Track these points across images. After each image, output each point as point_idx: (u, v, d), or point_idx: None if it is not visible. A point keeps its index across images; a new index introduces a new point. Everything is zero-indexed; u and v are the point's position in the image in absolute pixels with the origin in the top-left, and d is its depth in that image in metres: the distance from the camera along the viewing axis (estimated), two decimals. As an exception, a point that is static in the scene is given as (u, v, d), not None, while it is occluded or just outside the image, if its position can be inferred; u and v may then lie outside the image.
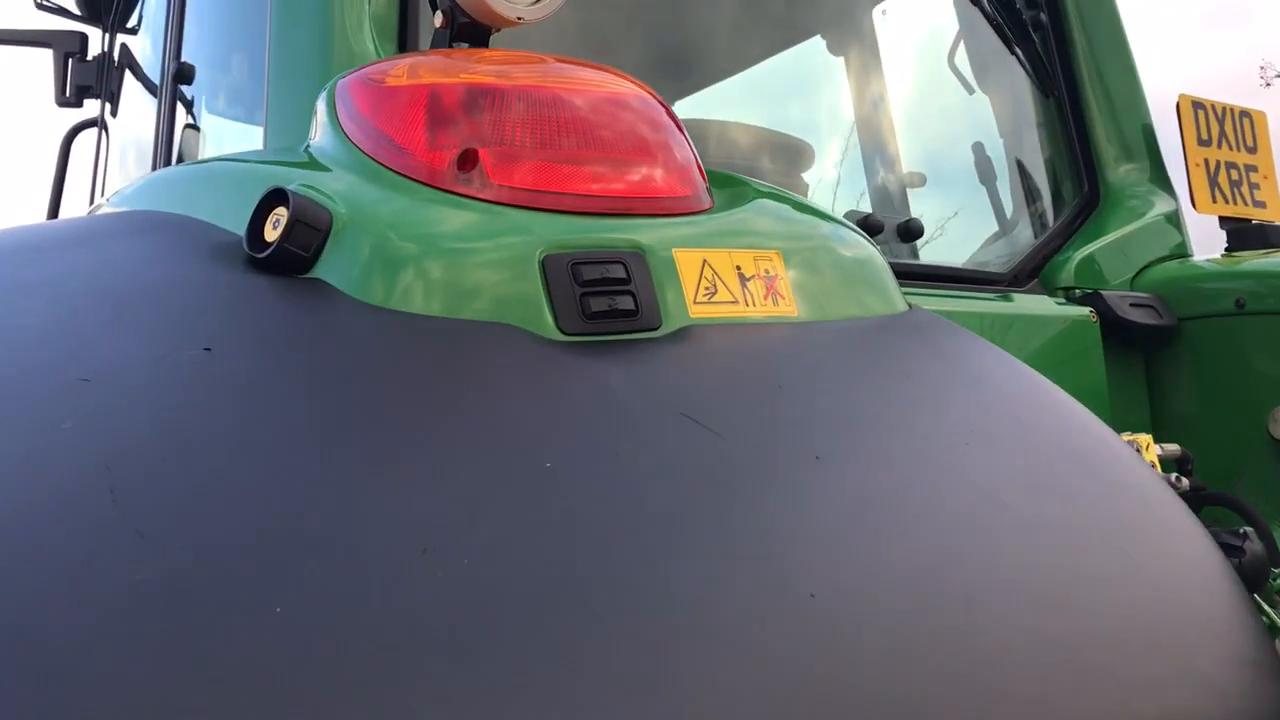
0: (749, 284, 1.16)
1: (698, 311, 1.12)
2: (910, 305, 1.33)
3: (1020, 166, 2.72)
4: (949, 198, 2.80)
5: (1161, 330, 2.37)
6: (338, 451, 0.85)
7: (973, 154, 2.81)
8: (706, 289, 1.14)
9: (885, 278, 1.30)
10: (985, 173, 2.79)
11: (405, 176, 1.16)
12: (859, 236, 1.34)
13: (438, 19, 1.36)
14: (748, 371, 1.06)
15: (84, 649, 0.68)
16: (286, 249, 1.10)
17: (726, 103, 2.68)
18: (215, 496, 0.78)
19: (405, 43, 1.65)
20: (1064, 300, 2.34)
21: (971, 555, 0.87)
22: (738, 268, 1.16)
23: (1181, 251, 2.64)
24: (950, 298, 2.13)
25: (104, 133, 2.98)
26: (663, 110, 1.27)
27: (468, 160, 1.15)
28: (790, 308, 1.17)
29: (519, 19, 1.30)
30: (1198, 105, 2.68)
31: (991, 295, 2.22)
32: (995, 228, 2.73)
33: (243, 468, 0.82)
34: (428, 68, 1.22)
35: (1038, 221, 2.61)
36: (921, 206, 2.71)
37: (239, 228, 1.16)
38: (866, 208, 2.58)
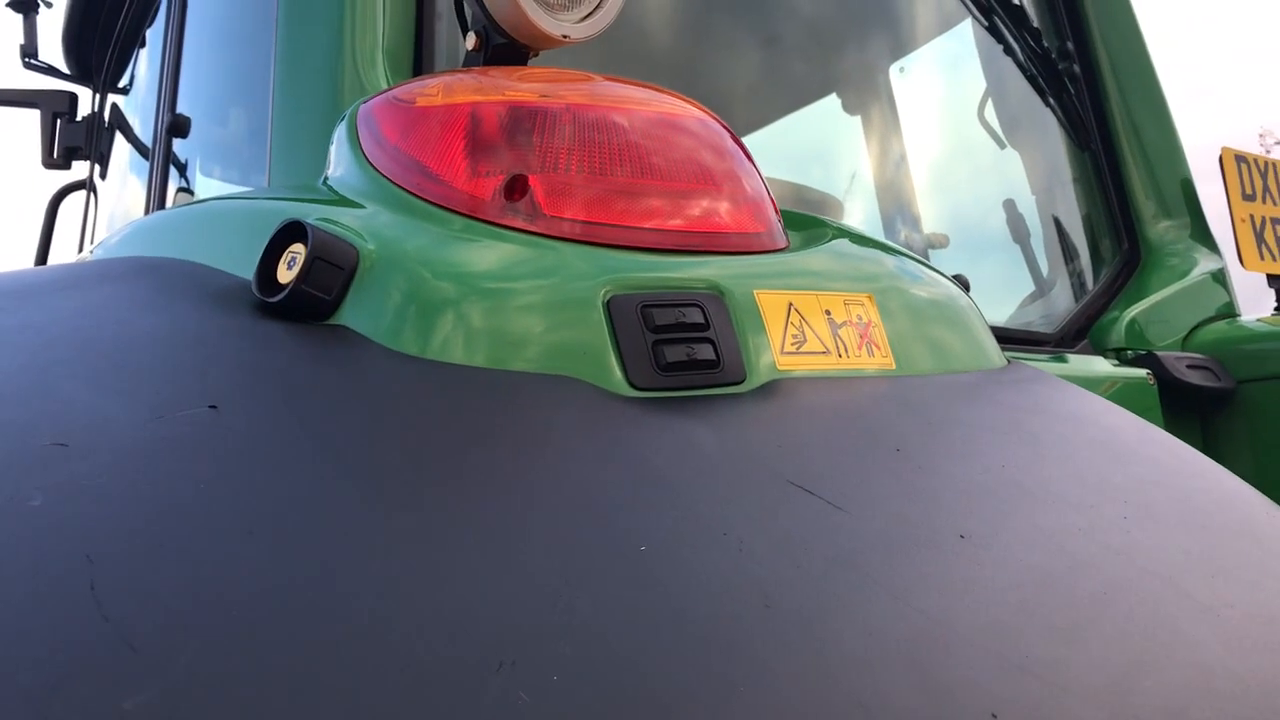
0: (840, 331, 0.99)
1: (786, 363, 0.95)
2: (1009, 359, 1.17)
3: (1056, 223, 2.58)
4: (979, 257, 2.66)
5: (1220, 393, 2.22)
6: (372, 538, 0.67)
7: (1004, 211, 2.67)
8: (795, 337, 0.97)
9: (983, 328, 1.14)
10: (1018, 231, 2.66)
11: (442, 208, 1.00)
12: (949, 283, 1.19)
13: (470, 40, 1.20)
14: (854, 432, 0.89)
15: None
16: (305, 291, 0.93)
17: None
18: (224, 596, 0.60)
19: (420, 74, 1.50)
20: (1117, 362, 2.19)
21: (1168, 656, 0.70)
22: (827, 312, 0.99)
23: (1230, 311, 2.51)
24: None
25: (93, 195, 2.83)
26: (728, 135, 1.11)
27: (516, 188, 0.98)
28: (888, 359, 1.01)
29: (564, 37, 1.15)
30: (1240, 159, 2.56)
31: (1044, 356, 2.07)
32: (1032, 287, 2.59)
33: (256, 558, 0.64)
34: (464, 86, 1.06)
35: (1077, 280, 2.47)
36: (948, 267, 2.57)
37: (246, 271, 0.99)
38: None
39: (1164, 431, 1.05)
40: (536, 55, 1.22)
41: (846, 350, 0.99)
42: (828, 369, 0.97)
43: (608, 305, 0.92)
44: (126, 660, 0.54)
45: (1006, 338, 2.18)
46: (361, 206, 1.03)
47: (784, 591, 0.67)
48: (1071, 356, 2.14)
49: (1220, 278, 2.51)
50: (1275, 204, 2.64)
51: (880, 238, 1.35)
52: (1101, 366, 2.14)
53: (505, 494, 0.74)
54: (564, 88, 1.07)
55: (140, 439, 0.73)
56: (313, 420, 0.80)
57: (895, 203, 2.61)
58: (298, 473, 0.72)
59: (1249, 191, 2.58)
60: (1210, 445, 2.24)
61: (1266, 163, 2.66)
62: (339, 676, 0.57)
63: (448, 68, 1.46)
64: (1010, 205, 2.69)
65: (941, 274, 1.21)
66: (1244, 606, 0.79)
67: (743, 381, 0.93)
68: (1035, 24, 2.49)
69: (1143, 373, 2.20)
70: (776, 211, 1.12)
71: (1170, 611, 0.75)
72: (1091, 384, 2.08)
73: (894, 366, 1.01)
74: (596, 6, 1.15)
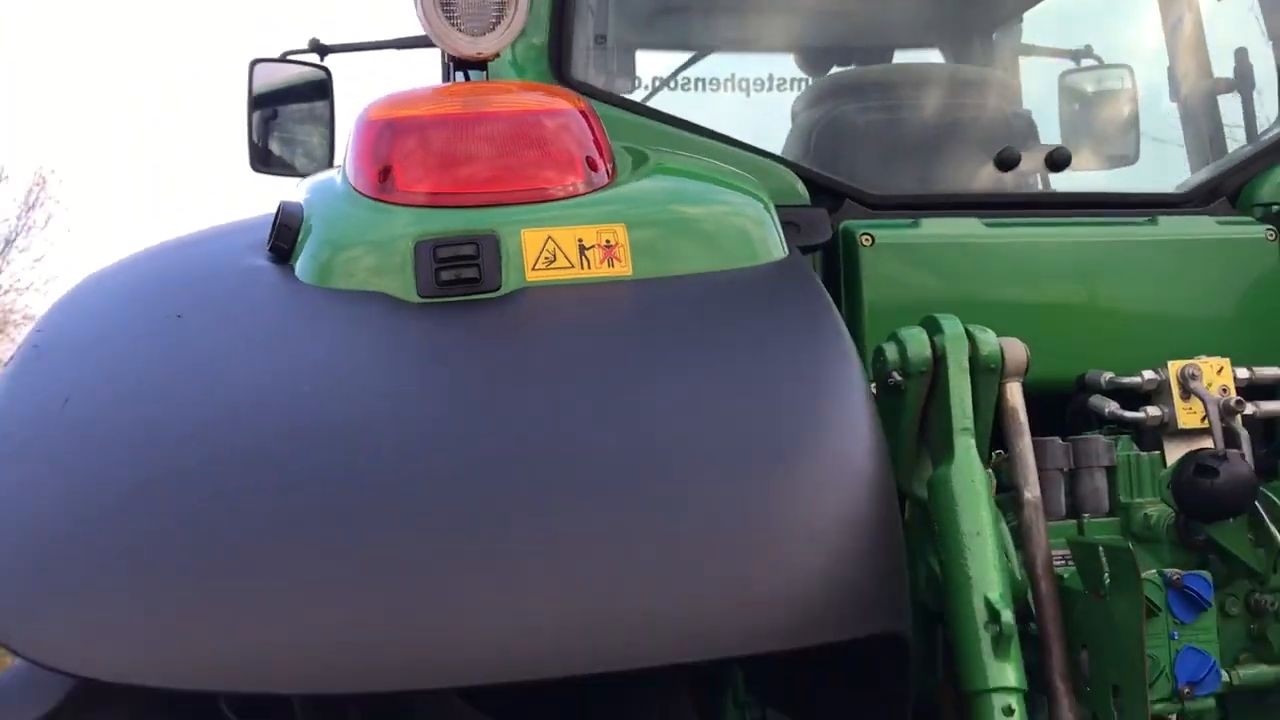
0: (587, 252, 1.38)
1: (534, 276, 1.37)
2: (788, 251, 1.46)
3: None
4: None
5: None
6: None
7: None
8: (546, 259, 1.38)
9: (744, 236, 1.45)
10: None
11: (358, 191, 1.52)
12: (732, 199, 1.49)
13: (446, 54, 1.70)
14: (551, 318, 1.31)
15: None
16: (276, 244, 1.51)
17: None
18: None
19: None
20: (1243, 219, 2.13)
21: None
22: (579, 240, 1.38)
23: None
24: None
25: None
26: (568, 120, 1.51)
27: (386, 174, 1.48)
28: (626, 268, 1.37)
29: (478, 54, 1.60)
30: None
31: (1141, 220, 2.11)
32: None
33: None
34: (388, 104, 1.56)
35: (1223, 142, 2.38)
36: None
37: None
38: None
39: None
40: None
41: (590, 264, 1.37)
42: (568, 278, 1.36)
43: (415, 247, 1.39)
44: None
45: (1119, 202, 2.21)
46: (330, 194, 1.59)
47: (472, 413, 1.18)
48: (1178, 218, 2.11)
49: None
50: None
51: (704, 168, 1.66)
52: (1205, 226, 2.09)
53: (333, 358, 1.30)
54: (456, 100, 1.54)
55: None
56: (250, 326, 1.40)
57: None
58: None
59: None
60: None
61: None
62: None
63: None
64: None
65: (743, 190, 1.52)
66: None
67: (497, 289, 1.36)
68: None
69: (1261, 231, 2.11)
70: (600, 164, 1.50)
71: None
72: (1189, 245, 2.07)
73: (630, 273, 1.37)
74: (506, 27, 1.59)
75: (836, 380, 1.27)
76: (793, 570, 1.12)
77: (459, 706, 1.20)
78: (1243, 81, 2.56)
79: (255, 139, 2.99)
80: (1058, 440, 1.76)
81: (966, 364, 1.58)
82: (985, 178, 2.25)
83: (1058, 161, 2.25)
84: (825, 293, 1.46)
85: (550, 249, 1.40)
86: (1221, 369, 1.80)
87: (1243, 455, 1.63)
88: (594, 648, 1.04)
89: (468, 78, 1.85)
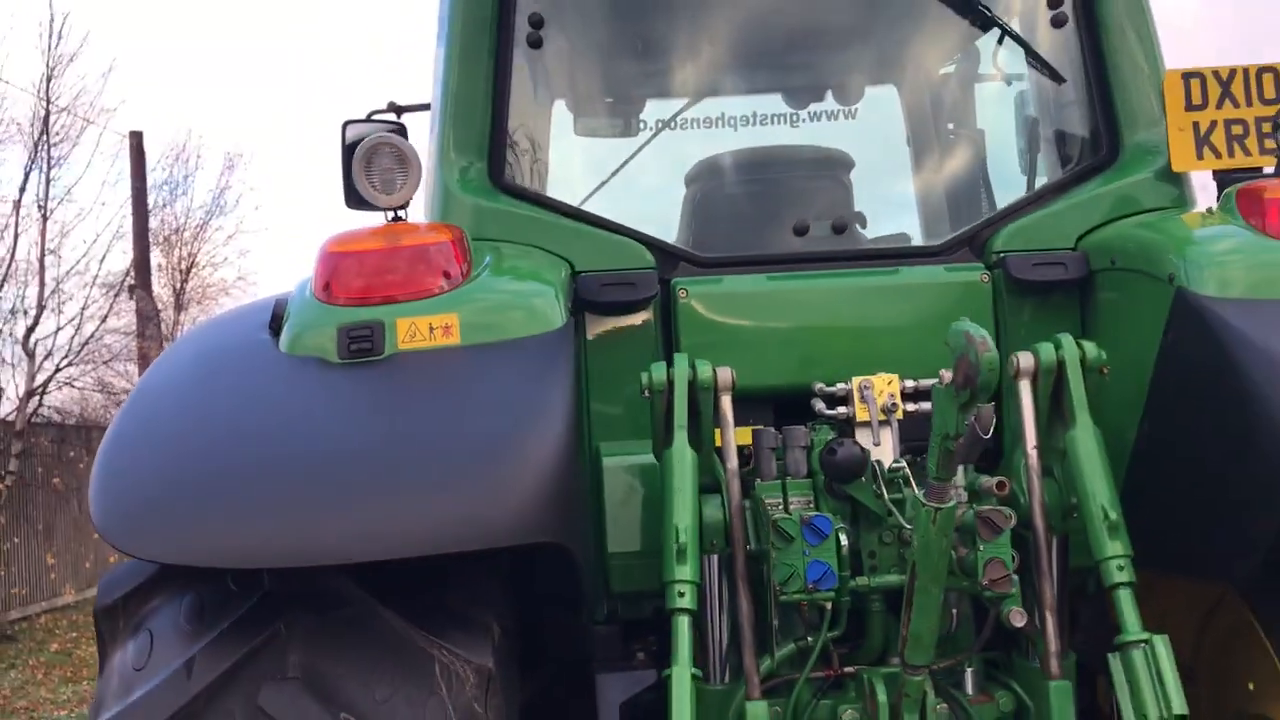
0: (434, 331, 2.37)
1: (404, 346, 2.36)
2: (565, 319, 2.42)
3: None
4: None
5: (1062, 284, 2.88)
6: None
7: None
8: (410, 335, 2.37)
9: (532, 313, 2.40)
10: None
11: (313, 295, 2.53)
12: (521, 289, 2.47)
13: None
14: (407, 368, 2.31)
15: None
16: (272, 327, 2.53)
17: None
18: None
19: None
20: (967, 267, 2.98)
21: None
22: (430, 324, 2.38)
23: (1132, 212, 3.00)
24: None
25: None
26: (439, 250, 2.49)
27: (327, 287, 2.50)
28: (456, 340, 2.36)
29: (387, 209, 2.60)
30: (1189, 75, 3.02)
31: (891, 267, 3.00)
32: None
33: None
34: (335, 242, 2.55)
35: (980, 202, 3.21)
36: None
37: None
38: None
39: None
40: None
41: (435, 337, 2.36)
42: (424, 346, 2.35)
43: (337, 331, 2.39)
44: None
45: (886, 254, 3.06)
46: (303, 298, 2.60)
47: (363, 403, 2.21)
48: (928, 269, 2.94)
49: (1116, 196, 3.00)
50: (1233, 107, 3.03)
51: (519, 261, 2.63)
52: (935, 273, 2.92)
53: (292, 390, 2.34)
54: (375, 239, 2.53)
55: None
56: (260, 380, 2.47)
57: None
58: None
59: (1196, 102, 3.03)
60: (1051, 325, 2.85)
61: (1232, 70, 3.05)
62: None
63: None
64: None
65: (540, 284, 2.48)
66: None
67: (381, 355, 2.36)
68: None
69: (977, 275, 2.93)
70: (456, 273, 2.47)
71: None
72: (912, 286, 2.91)
73: (459, 342, 2.35)
74: (404, 188, 2.58)
75: (543, 394, 2.24)
76: (492, 501, 2.08)
77: (346, 583, 2.21)
78: (993, 157, 3.37)
79: (346, 181, 4.12)
80: (771, 430, 2.68)
81: (686, 386, 2.52)
82: (787, 241, 3.15)
83: (838, 228, 3.13)
84: (566, 344, 2.40)
85: (412, 329, 2.37)
86: (891, 381, 2.67)
87: (856, 441, 2.52)
88: (390, 538, 2.04)
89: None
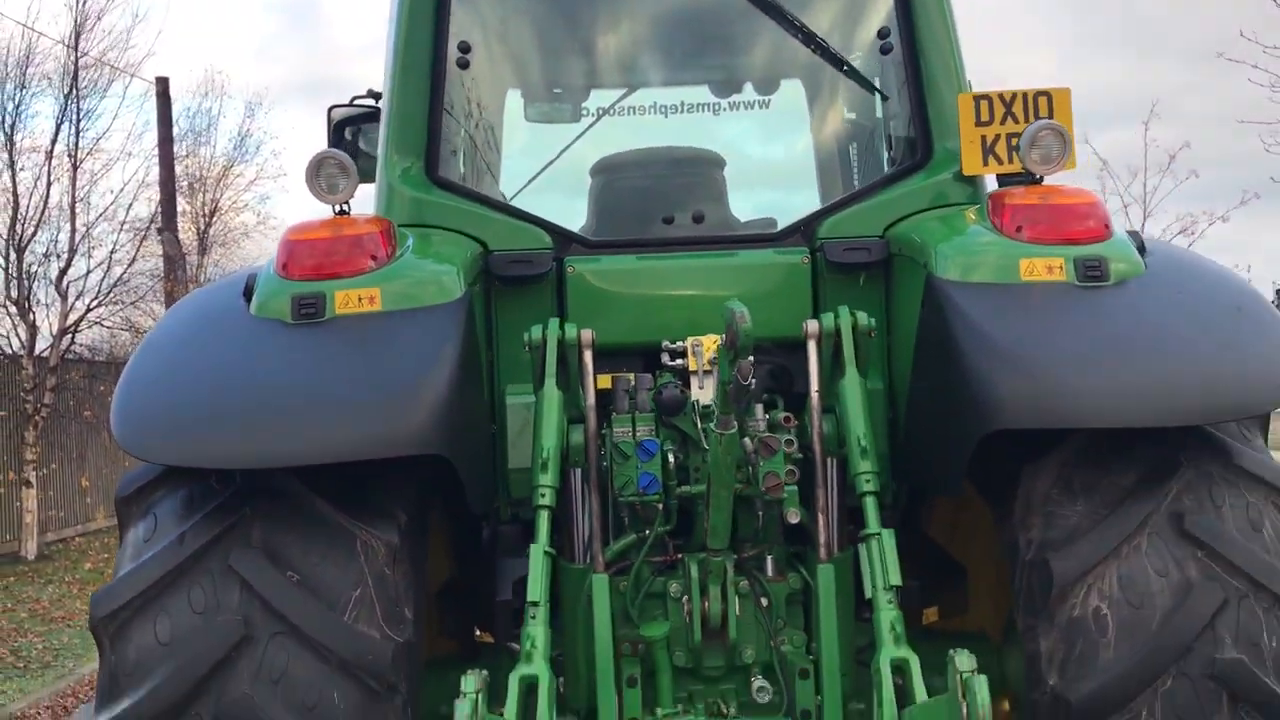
0: (360, 299, 3.18)
1: (340, 311, 3.16)
2: (464, 291, 3.23)
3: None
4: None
5: (865, 265, 3.68)
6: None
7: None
8: (344, 303, 3.18)
9: (438, 285, 3.19)
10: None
11: (274, 273, 3.31)
12: (429, 269, 3.26)
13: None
14: (340, 328, 3.12)
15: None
16: (245, 294, 3.31)
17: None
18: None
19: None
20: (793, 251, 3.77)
21: None
22: (359, 295, 3.18)
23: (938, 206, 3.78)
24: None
25: None
26: (370, 238, 3.28)
27: (285, 266, 3.30)
28: (377, 306, 3.17)
29: (334, 202, 3.39)
30: (979, 98, 3.78)
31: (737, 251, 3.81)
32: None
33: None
34: (293, 230, 3.32)
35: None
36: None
37: None
38: None
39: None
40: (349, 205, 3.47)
41: (362, 305, 3.16)
42: (354, 311, 3.15)
43: (290, 299, 3.19)
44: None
45: (732, 240, 3.86)
46: (267, 274, 3.40)
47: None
48: (758, 250, 3.75)
49: (930, 192, 3.78)
50: (1014, 123, 3.79)
51: (434, 244, 3.43)
52: (763, 256, 3.71)
53: (258, 343, 3.17)
54: (326, 227, 3.33)
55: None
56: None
57: None
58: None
59: (984, 118, 3.79)
60: (859, 301, 3.64)
61: (1014, 94, 3.81)
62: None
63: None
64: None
65: (445, 268, 3.29)
66: None
67: (323, 317, 3.16)
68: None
69: (799, 258, 3.73)
70: (384, 255, 3.27)
71: None
72: (748, 266, 3.71)
73: (380, 308, 3.16)
74: (344, 190, 3.37)
75: (439, 346, 3.03)
76: (395, 422, 2.89)
77: (292, 481, 3.03)
78: (828, 160, 4.16)
79: None
80: (628, 375, 3.50)
81: (556, 343, 3.35)
82: (658, 228, 3.95)
83: (696, 218, 3.93)
84: (463, 310, 3.20)
85: (346, 299, 3.14)
86: (716, 340, 3.47)
87: (683, 385, 3.34)
88: (322, 447, 2.88)
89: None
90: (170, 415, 3.02)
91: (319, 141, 5.07)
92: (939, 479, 3.33)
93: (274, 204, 26.82)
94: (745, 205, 4.36)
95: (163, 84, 19.55)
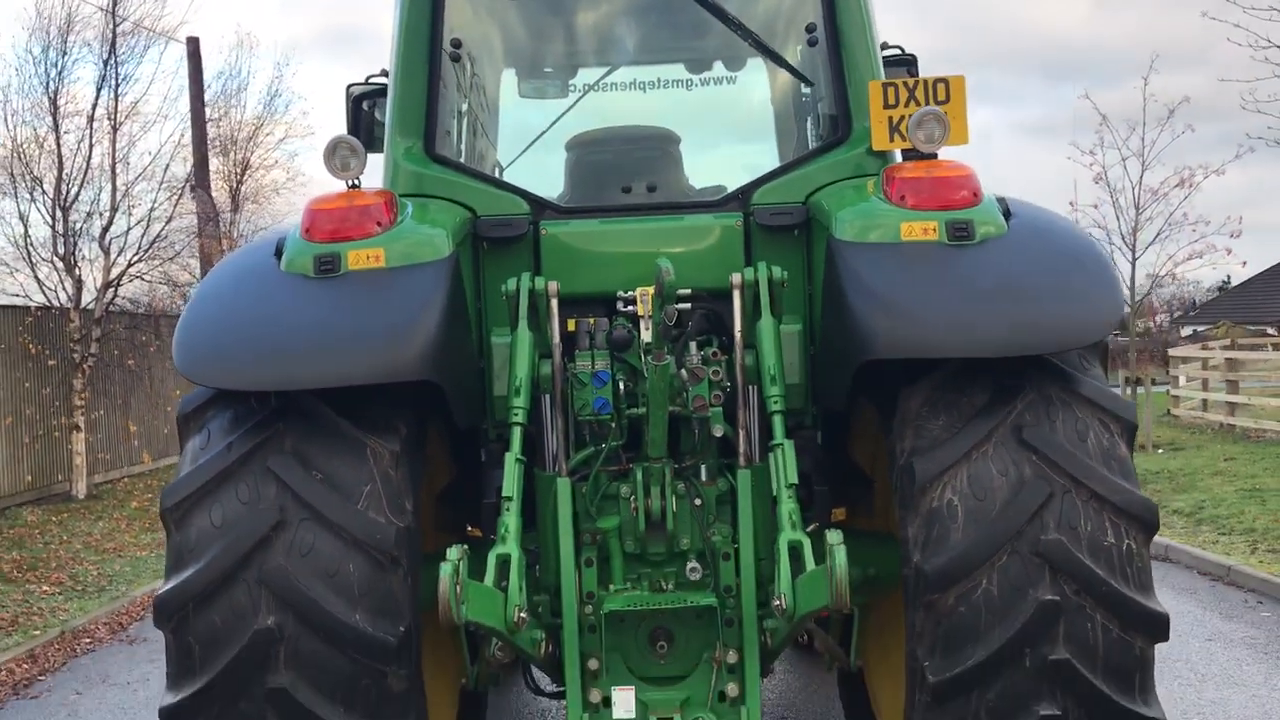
0: (368, 257, 3.94)
1: (353, 266, 3.91)
2: (452, 251, 3.98)
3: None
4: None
5: (786, 227, 4.42)
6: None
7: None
8: (356, 261, 3.94)
9: (431, 245, 3.95)
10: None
11: (299, 236, 4.08)
12: (424, 232, 4.02)
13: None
14: (353, 281, 3.89)
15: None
16: (276, 253, 4.05)
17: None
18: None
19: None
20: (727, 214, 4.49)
21: None
22: (367, 254, 3.94)
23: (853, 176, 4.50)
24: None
25: None
26: (375, 208, 4.03)
27: (308, 230, 4.06)
28: (382, 263, 3.93)
29: (347, 182, 4.15)
30: (886, 85, 4.49)
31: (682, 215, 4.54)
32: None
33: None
34: (315, 201, 4.08)
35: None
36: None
37: None
38: None
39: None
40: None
41: (370, 263, 3.92)
42: (365, 267, 3.90)
43: (313, 257, 3.96)
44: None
45: (680, 205, 4.61)
46: (294, 236, 4.17)
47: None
48: (700, 215, 4.49)
49: (851, 164, 4.50)
50: (916, 105, 4.48)
51: (428, 211, 4.19)
52: (704, 220, 4.46)
53: (284, 292, 3.96)
54: (342, 198, 4.09)
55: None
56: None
57: None
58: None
59: (890, 102, 4.50)
60: (784, 260, 4.38)
61: (918, 81, 4.51)
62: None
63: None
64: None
65: (437, 231, 4.04)
66: None
67: (340, 273, 3.93)
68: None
69: (734, 221, 4.47)
70: (388, 221, 4.03)
71: None
72: (691, 228, 4.46)
73: (384, 264, 3.93)
74: (355, 168, 4.11)
75: (429, 294, 3.78)
76: (392, 354, 3.64)
77: (316, 401, 3.81)
78: (764, 137, 4.87)
79: (350, 133, 5.73)
80: (590, 319, 4.27)
81: (527, 293, 4.12)
82: (618, 196, 4.70)
83: (650, 187, 4.67)
84: (451, 266, 3.95)
85: (356, 258, 3.91)
86: (646, 295, 4.19)
87: (631, 327, 4.11)
88: (337, 373, 3.66)
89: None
90: (220, 349, 3.81)
91: (342, 98, 5.80)
92: (833, 399, 4.10)
93: (302, 161, 27.47)
94: (702, 173, 5.10)
95: (193, 44, 20.38)
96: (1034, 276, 3.79)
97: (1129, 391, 17.60)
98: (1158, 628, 3.60)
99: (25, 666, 8.21)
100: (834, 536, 3.42)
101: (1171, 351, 25.29)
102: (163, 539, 4.03)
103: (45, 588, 10.53)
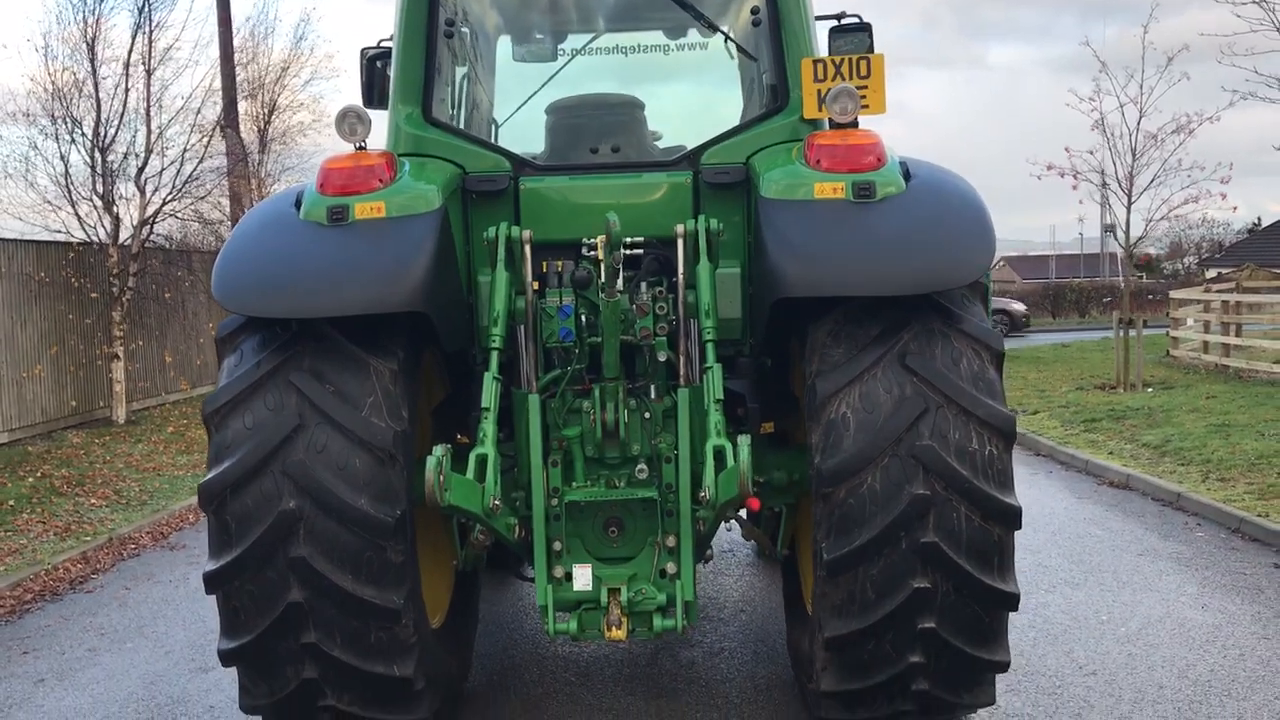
0: (371, 209, 4.74)
1: (359, 216, 4.70)
2: (441, 203, 4.78)
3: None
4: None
5: (728, 184, 5.20)
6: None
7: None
8: (361, 212, 4.73)
9: (422, 197, 4.74)
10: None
11: (314, 190, 4.87)
12: (418, 188, 4.81)
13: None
14: (358, 228, 4.69)
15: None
16: (296, 204, 4.90)
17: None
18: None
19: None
20: (678, 172, 5.29)
21: None
22: (370, 207, 4.74)
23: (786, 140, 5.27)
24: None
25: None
26: (378, 167, 4.81)
27: (322, 185, 4.85)
28: (383, 213, 4.73)
29: (352, 142, 4.93)
30: (816, 61, 5.24)
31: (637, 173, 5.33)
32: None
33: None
34: (328, 160, 4.88)
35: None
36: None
37: None
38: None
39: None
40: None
41: (372, 213, 4.71)
42: (371, 216, 4.68)
43: (326, 208, 4.75)
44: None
45: (639, 165, 5.39)
46: (310, 190, 4.98)
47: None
48: (656, 173, 5.28)
49: (788, 129, 5.26)
50: (842, 80, 5.23)
51: (424, 168, 4.98)
52: (659, 177, 5.23)
53: (302, 238, 4.79)
54: (350, 157, 4.89)
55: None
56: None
57: None
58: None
59: (819, 76, 5.25)
60: (726, 217, 5.17)
61: (844, 59, 5.26)
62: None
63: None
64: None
65: (427, 186, 4.84)
66: None
67: (348, 221, 4.73)
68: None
69: (684, 178, 5.25)
70: (389, 178, 4.82)
71: None
72: (648, 184, 5.25)
73: (384, 214, 4.73)
74: (360, 133, 4.90)
75: (421, 238, 4.57)
76: (390, 288, 4.43)
77: (328, 327, 4.65)
78: (716, 105, 5.62)
79: (364, 89, 6.53)
80: (559, 263, 5.08)
81: (504, 240, 4.93)
82: (587, 156, 5.48)
83: (614, 148, 5.45)
84: (440, 217, 4.73)
85: (362, 209, 4.67)
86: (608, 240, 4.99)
87: (591, 268, 4.91)
88: (343, 304, 4.47)
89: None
90: (250, 284, 4.63)
91: (369, 39, 6.55)
92: (756, 332, 4.91)
93: (329, 103, 28.19)
94: (667, 135, 5.87)
95: (222, -13, 21.07)
96: (922, 229, 4.55)
97: (1122, 333, 18.24)
98: (1012, 518, 4.41)
99: (80, 566, 9.21)
100: (742, 440, 4.23)
101: (1173, 294, 25.81)
102: (198, 460, 4.92)
103: (93, 500, 11.54)
